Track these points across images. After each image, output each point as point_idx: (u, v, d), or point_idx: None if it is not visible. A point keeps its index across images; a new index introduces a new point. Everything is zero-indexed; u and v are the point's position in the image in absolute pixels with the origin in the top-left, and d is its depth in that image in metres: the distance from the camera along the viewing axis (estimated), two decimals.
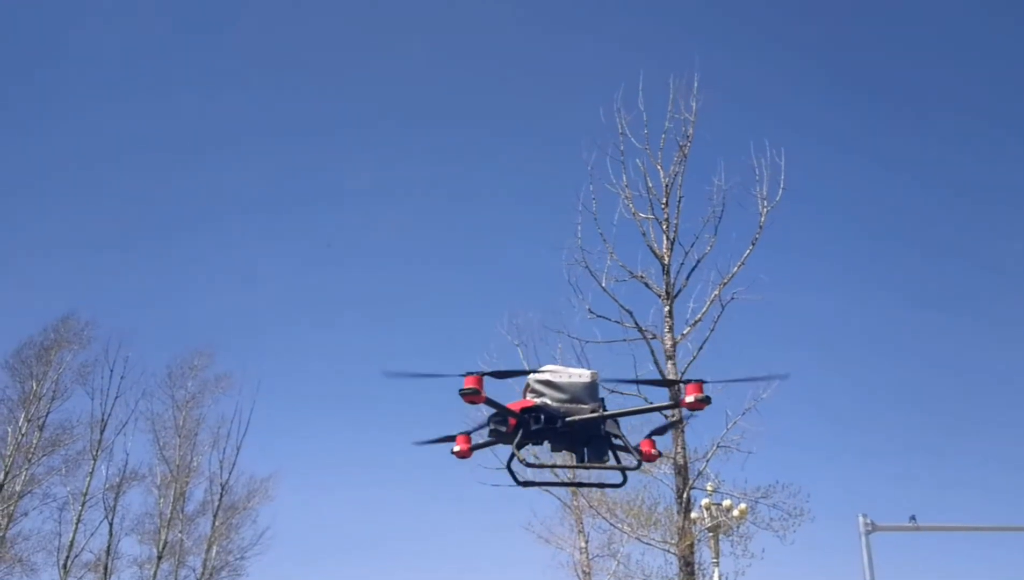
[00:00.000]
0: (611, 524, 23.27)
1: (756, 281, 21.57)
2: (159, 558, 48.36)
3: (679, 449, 20.30)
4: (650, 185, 22.30)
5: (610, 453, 7.57)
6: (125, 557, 48.48)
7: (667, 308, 21.28)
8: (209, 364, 53.17)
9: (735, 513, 22.48)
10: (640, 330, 21.11)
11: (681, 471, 20.22)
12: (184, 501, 50.49)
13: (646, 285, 21.51)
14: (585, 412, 7.28)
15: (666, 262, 21.56)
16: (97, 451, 47.67)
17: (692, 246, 21.52)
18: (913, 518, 21.01)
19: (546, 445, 7.61)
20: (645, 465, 8.26)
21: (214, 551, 50.91)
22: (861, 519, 20.46)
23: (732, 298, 21.07)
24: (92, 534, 46.77)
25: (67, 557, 45.60)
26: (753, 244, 21.32)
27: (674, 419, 8.08)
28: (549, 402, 7.29)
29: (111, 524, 47.54)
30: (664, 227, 21.85)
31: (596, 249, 21.70)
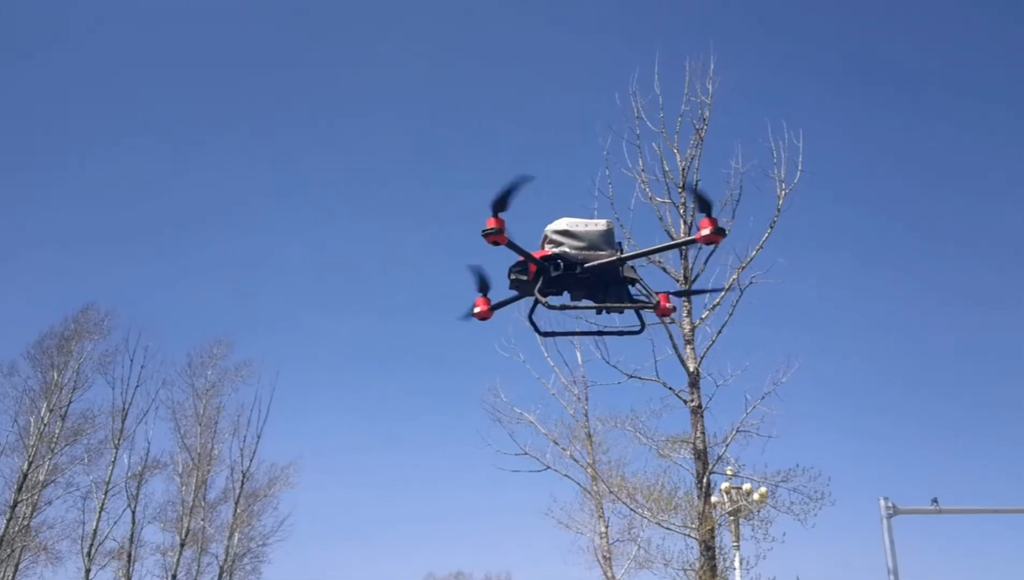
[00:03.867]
0: (631, 509, 23.24)
1: (775, 265, 21.47)
2: (182, 546, 48.83)
3: (699, 434, 20.24)
4: (667, 169, 22.15)
5: (629, 297, 7.64)
6: (148, 545, 48.97)
7: None
8: (228, 353, 53.52)
9: (755, 497, 22.45)
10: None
11: (701, 456, 20.16)
12: (206, 489, 50.95)
13: (664, 270, 21.37)
14: (603, 258, 7.34)
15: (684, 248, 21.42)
16: (119, 440, 48.13)
17: None
18: (935, 501, 20.92)
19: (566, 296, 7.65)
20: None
21: (236, 538, 51.37)
22: (883, 502, 20.38)
23: (751, 282, 20.92)
24: (115, 522, 47.26)
25: (91, 545, 46.12)
26: (771, 227, 21.11)
27: (687, 288, 8.09)
28: (568, 250, 7.38)
29: (134, 512, 48.03)
30: (681, 211, 21.71)
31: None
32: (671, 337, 20.79)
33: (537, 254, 7.51)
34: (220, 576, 50.54)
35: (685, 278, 21.15)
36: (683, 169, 21.95)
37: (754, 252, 21.03)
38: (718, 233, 6.76)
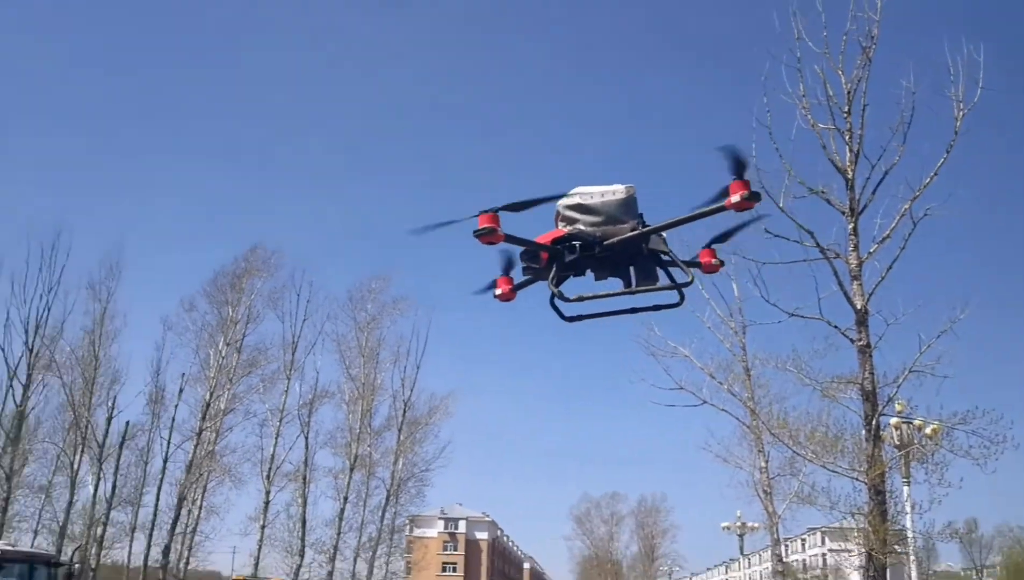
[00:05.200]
0: (793, 451, 22.56)
1: (952, 195, 19.90)
2: (351, 469, 51.52)
3: (867, 374, 19.27)
4: (830, 93, 20.63)
5: (660, 272, 6.91)
6: (320, 468, 52.15)
7: (851, 225, 19.93)
8: (386, 287, 55.32)
9: (927, 431, 21.35)
10: (822, 250, 19.91)
11: (869, 397, 19.21)
12: (371, 417, 53.44)
13: (828, 202, 20.19)
14: (624, 232, 6.60)
15: (850, 176, 20.08)
16: (290, 371, 51.00)
17: (879, 158, 19.87)
18: None
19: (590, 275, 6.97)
20: None
21: (400, 463, 53.83)
22: None
23: (925, 214, 19.48)
24: (291, 447, 50.50)
25: (270, 468, 49.35)
26: (948, 152, 19.48)
27: (740, 224, 7.10)
28: (583, 228, 6.64)
29: (307, 438, 51.09)
30: (847, 138, 20.30)
31: (772, 167, 20.36)
32: (836, 273, 19.78)
33: (549, 235, 6.80)
34: (387, 498, 53.26)
35: (851, 210, 19.92)
36: (848, 92, 20.43)
37: (928, 180, 19.56)
38: (752, 198, 5.97)
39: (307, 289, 51.78)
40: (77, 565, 28.03)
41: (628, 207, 6.67)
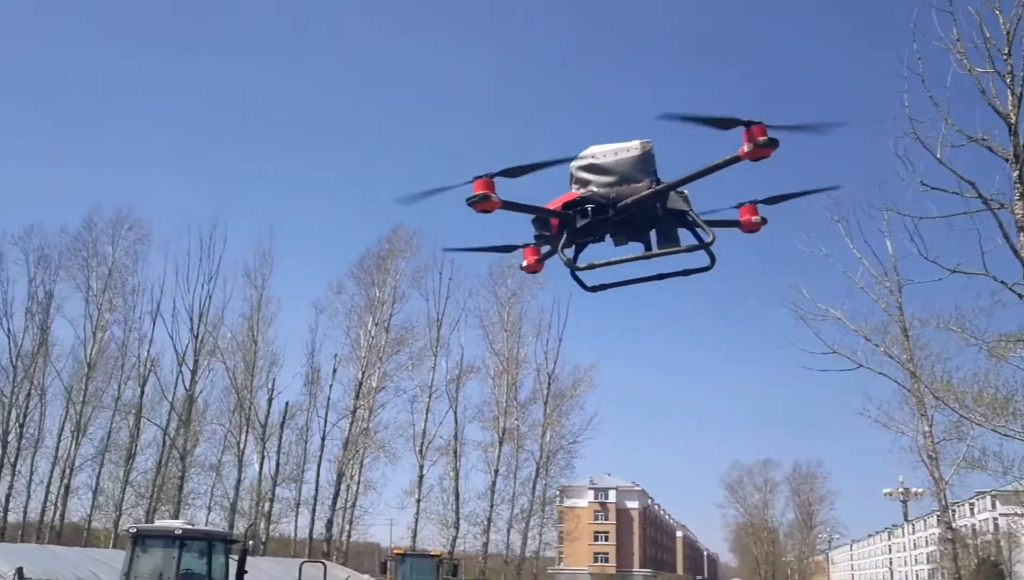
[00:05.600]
0: (960, 415, 21.41)
1: None
2: (500, 443, 52.50)
3: None
4: (987, 35, 19.20)
5: (684, 233, 6.50)
6: (470, 442, 53.50)
7: (1016, 173, 18.53)
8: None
9: None
10: (984, 200, 18.67)
11: None
12: (516, 390, 54.21)
13: (989, 149, 18.85)
14: (640, 192, 6.18)
15: (1012, 120, 18.64)
16: (436, 348, 52.36)
17: None
18: None
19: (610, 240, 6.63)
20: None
21: (548, 436, 54.35)
22: None
23: None
24: (440, 422, 51.97)
25: (422, 443, 50.92)
26: None
27: (804, 191, 6.48)
28: (596, 189, 6.28)
29: (455, 413, 52.47)
30: (1008, 81, 18.85)
31: (926, 116, 19.22)
32: (1000, 225, 18.51)
33: (563, 199, 6.46)
34: (537, 471, 53.99)
35: (1016, 157, 18.58)
36: (1007, 32, 18.95)
37: None
38: (768, 144, 5.47)
39: (449, 267, 52.86)
40: (251, 542, 29.73)
41: (644, 164, 6.29)
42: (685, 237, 6.52)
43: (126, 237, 52.11)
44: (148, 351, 50.39)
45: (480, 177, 5.94)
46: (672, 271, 6.84)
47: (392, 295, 52.09)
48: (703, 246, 6.45)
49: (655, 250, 6.51)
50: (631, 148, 6.28)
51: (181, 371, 49.56)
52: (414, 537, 49.63)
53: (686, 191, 6.45)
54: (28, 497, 48.83)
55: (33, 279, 50.64)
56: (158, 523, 25.72)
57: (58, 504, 47.66)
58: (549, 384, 54.82)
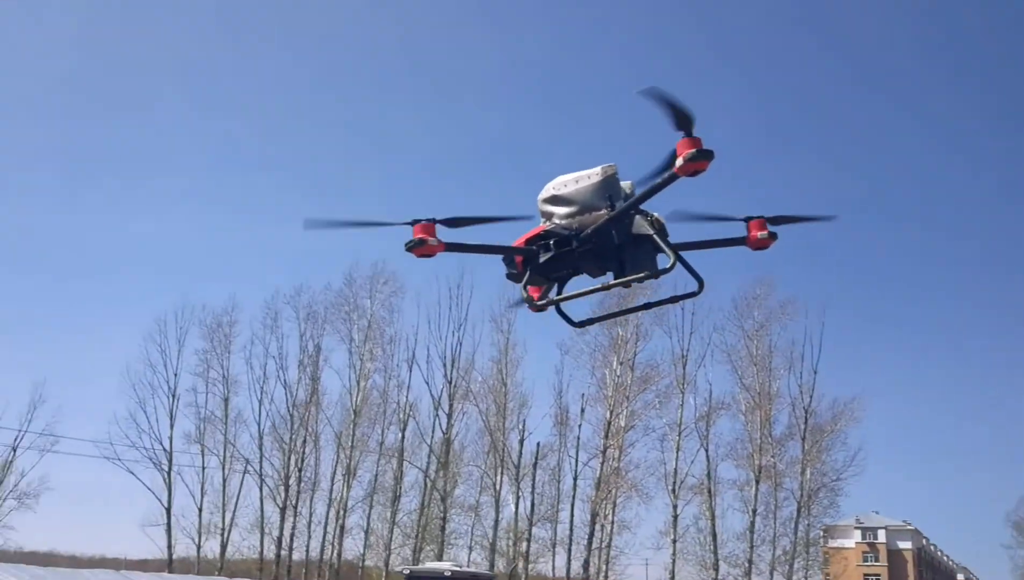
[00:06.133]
0: None
1: None
2: (757, 481, 50.32)
3: None
4: None
5: (660, 257, 6.08)
6: (724, 481, 51.82)
7: None
8: (771, 292, 53.67)
9: None
10: None
11: None
12: (770, 426, 51.89)
13: None
14: (600, 220, 5.86)
15: None
16: (683, 384, 51.35)
17: None
18: None
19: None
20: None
21: (808, 473, 51.42)
22: None
23: None
24: (692, 461, 50.83)
25: (674, 482, 49.90)
26: None
27: (816, 217, 6.10)
28: (558, 221, 5.97)
29: (707, 451, 51.06)
30: None
31: None
32: None
33: (528, 234, 6.21)
34: (799, 510, 51.11)
35: None
36: None
37: None
38: (702, 156, 5.04)
39: (691, 303, 51.81)
40: None
41: (605, 191, 5.97)
42: (664, 262, 6.25)
43: (382, 290, 55.83)
44: (407, 397, 53.68)
45: (419, 221, 5.84)
46: (660, 300, 6.94)
47: (635, 333, 51.85)
48: (656, 274, 6.17)
49: (626, 276, 6.24)
50: (592, 175, 6.03)
51: (437, 415, 52.14)
52: (672, 578, 48.58)
53: (656, 213, 6.16)
54: (309, 536, 53.04)
55: (304, 334, 55.78)
56: (428, 565, 26.93)
57: (335, 543, 51.26)
58: (806, 419, 52.07)
